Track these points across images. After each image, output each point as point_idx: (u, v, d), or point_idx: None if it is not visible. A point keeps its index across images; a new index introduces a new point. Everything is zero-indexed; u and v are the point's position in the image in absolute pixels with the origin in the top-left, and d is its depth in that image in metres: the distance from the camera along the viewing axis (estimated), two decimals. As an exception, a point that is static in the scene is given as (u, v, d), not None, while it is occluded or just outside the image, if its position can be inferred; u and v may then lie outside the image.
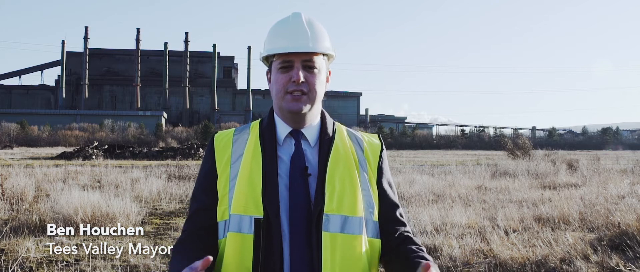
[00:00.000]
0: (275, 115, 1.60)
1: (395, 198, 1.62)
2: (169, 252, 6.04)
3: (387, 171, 1.64)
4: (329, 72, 1.61)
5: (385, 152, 1.65)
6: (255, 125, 1.62)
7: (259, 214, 1.43)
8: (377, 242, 1.55)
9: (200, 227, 1.53)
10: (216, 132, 1.67)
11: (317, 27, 1.55)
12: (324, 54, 1.56)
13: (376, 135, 1.69)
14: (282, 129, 1.57)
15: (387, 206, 1.58)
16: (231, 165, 1.54)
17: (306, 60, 1.51)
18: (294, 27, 1.53)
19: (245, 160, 1.52)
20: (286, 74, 1.51)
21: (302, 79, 1.49)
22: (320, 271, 1.41)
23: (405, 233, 1.58)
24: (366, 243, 1.51)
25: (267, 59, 1.59)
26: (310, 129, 1.57)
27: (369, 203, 1.53)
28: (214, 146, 1.59)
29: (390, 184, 1.63)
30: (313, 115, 1.57)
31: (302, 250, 1.44)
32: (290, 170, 1.51)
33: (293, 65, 1.50)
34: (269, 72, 1.60)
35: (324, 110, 1.64)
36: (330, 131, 1.59)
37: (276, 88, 1.53)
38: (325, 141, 1.56)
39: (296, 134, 1.56)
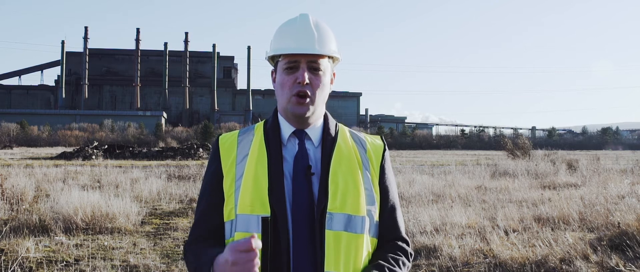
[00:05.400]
0: (279, 116, 1.61)
1: (395, 200, 1.63)
2: (169, 253, 6.04)
3: (390, 172, 1.65)
4: (334, 74, 1.63)
5: (387, 152, 1.66)
6: (259, 126, 1.64)
7: (266, 212, 1.45)
8: (377, 241, 1.57)
9: (208, 230, 1.55)
10: (218, 134, 1.68)
11: (324, 30, 1.56)
12: (329, 57, 1.57)
13: (379, 136, 1.70)
14: (286, 129, 1.58)
15: (385, 207, 1.60)
16: (236, 165, 1.55)
17: (312, 62, 1.52)
18: (301, 28, 1.54)
19: (250, 160, 1.53)
20: (291, 75, 1.52)
21: (306, 81, 1.50)
22: (323, 269, 1.42)
23: (392, 242, 1.58)
24: (368, 242, 1.52)
25: (273, 59, 1.60)
26: (314, 130, 1.59)
27: (371, 202, 1.54)
28: (219, 147, 1.60)
29: (391, 185, 1.63)
30: (317, 116, 1.59)
31: (305, 248, 1.46)
32: (293, 169, 1.52)
33: (298, 66, 1.52)
34: (274, 71, 1.61)
35: (326, 111, 1.65)
36: (333, 132, 1.60)
37: (281, 89, 1.54)
38: (328, 141, 1.57)
39: (300, 134, 1.57)
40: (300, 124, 1.57)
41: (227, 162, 1.57)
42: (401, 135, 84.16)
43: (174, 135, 66.57)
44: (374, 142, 1.66)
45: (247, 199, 1.47)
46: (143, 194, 10.49)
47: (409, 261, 1.56)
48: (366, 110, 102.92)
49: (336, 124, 1.64)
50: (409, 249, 1.59)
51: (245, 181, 1.50)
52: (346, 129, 1.68)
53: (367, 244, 1.52)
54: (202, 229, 1.56)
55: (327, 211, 1.46)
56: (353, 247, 1.47)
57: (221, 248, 1.49)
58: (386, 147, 1.67)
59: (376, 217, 1.56)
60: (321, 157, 1.54)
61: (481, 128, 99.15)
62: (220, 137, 1.64)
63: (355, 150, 1.60)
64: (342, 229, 1.46)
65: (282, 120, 1.60)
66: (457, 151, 66.99)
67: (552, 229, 6.63)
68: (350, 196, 1.49)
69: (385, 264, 1.48)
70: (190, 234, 1.59)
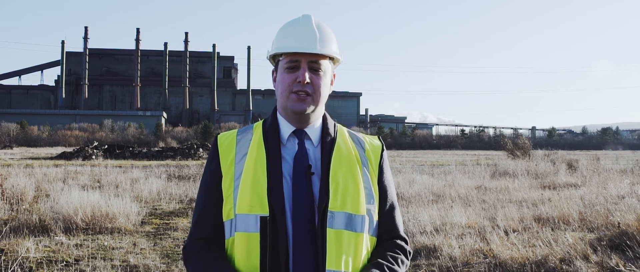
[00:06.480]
0: (279, 115, 1.62)
1: (393, 199, 1.63)
2: (169, 253, 6.03)
3: (388, 171, 1.66)
4: (334, 75, 1.64)
5: (385, 152, 1.67)
6: (258, 125, 1.64)
7: (265, 212, 1.45)
8: (375, 240, 1.58)
9: (208, 230, 1.55)
10: (219, 133, 1.68)
11: (326, 31, 1.57)
12: (330, 57, 1.58)
13: (376, 136, 1.72)
14: (286, 128, 1.58)
15: (384, 206, 1.60)
16: (235, 164, 1.55)
17: (312, 62, 1.53)
18: (303, 29, 1.55)
19: (249, 159, 1.54)
20: (292, 74, 1.53)
21: (307, 80, 1.51)
22: (324, 267, 1.42)
23: (391, 240, 1.59)
24: (367, 241, 1.53)
25: (274, 58, 1.61)
26: (313, 129, 1.59)
27: (370, 201, 1.55)
28: (218, 146, 1.61)
29: (390, 184, 1.64)
30: (316, 116, 1.60)
31: (306, 247, 1.46)
32: (293, 169, 1.52)
33: (299, 65, 1.52)
34: (274, 71, 1.62)
35: (325, 112, 1.66)
36: (332, 132, 1.61)
37: (281, 87, 1.55)
38: (328, 141, 1.58)
39: (299, 134, 1.58)
40: (300, 122, 1.57)
41: (226, 161, 1.57)
42: (401, 135, 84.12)
43: (174, 135, 66.56)
44: (372, 142, 1.67)
45: (246, 198, 1.48)
46: (143, 194, 10.49)
47: (407, 259, 1.57)
48: (366, 110, 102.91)
49: (335, 124, 1.65)
50: (408, 248, 1.60)
51: (244, 180, 1.50)
52: (345, 129, 1.69)
53: (366, 243, 1.53)
54: (203, 231, 1.56)
55: (329, 209, 1.46)
56: (353, 245, 1.48)
57: (224, 257, 1.49)
58: (384, 147, 1.68)
59: (375, 216, 1.57)
60: (321, 157, 1.55)
61: (481, 128, 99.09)
62: (219, 136, 1.65)
63: (355, 149, 1.61)
64: (343, 227, 1.47)
65: (281, 119, 1.60)
66: (457, 151, 66.94)
67: (552, 229, 6.63)
68: (351, 194, 1.50)
69: (384, 262, 1.49)
70: (191, 235, 1.58)
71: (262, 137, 1.58)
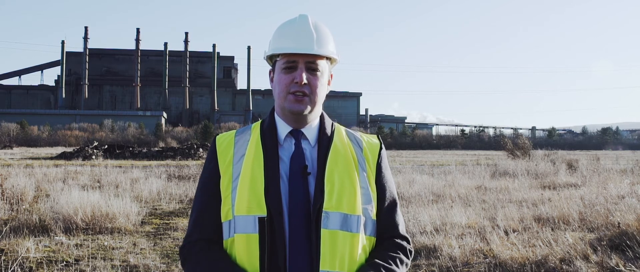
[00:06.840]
0: (276, 116, 1.62)
1: (393, 198, 1.63)
2: (169, 253, 6.03)
3: (387, 170, 1.65)
4: (331, 75, 1.64)
5: (384, 151, 1.66)
6: (256, 126, 1.64)
7: (262, 213, 1.45)
8: (374, 240, 1.58)
9: (207, 231, 1.56)
10: (217, 134, 1.69)
11: (323, 31, 1.57)
12: (327, 58, 1.58)
13: (375, 135, 1.71)
14: (283, 128, 1.58)
15: (382, 205, 1.60)
16: (233, 165, 1.55)
17: (310, 62, 1.53)
18: (300, 29, 1.54)
19: (247, 160, 1.54)
20: (289, 75, 1.52)
21: (304, 81, 1.51)
22: (318, 267, 1.42)
23: (390, 239, 1.59)
24: (364, 241, 1.53)
25: (271, 58, 1.61)
26: (310, 129, 1.59)
27: (367, 201, 1.55)
28: (216, 147, 1.61)
29: (389, 183, 1.63)
30: (313, 116, 1.60)
31: (302, 247, 1.46)
32: (290, 169, 1.52)
33: (296, 66, 1.52)
34: (272, 71, 1.62)
35: (323, 111, 1.66)
36: (328, 131, 1.61)
37: (279, 88, 1.55)
38: (324, 141, 1.58)
39: (296, 134, 1.58)
40: (298, 122, 1.57)
41: (224, 162, 1.57)
42: (401, 135, 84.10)
43: (174, 135, 66.56)
44: (370, 141, 1.66)
45: (244, 199, 1.48)
46: (143, 194, 10.48)
47: (407, 258, 1.56)
48: (366, 110, 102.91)
49: (332, 124, 1.65)
50: (409, 247, 1.59)
51: (242, 181, 1.51)
52: (342, 128, 1.69)
53: (363, 243, 1.52)
54: (202, 231, 1.56)
55: (323, 209, 1.46)
56: (348, 246, 1.48)
57: (226, 257, 1.48)
58: (382, 146, 1.67)
59: (373, 216, 1.56)
60: (317, 157, 1.55)
61: (481, 128, 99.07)
62: (217, 137, 1.65)
63: (352, 149, 1.60)
64: (338, 228, 1.47)
65: (278, 120, 1.60)
66: (457, 151, 66.92)
67: (552, 229, 6.62)
68: (346, 195, 1.50)
69: (382, 262, 1.49)
70: (189, 235, 1.58)
71: (260, 137, 1.58)
